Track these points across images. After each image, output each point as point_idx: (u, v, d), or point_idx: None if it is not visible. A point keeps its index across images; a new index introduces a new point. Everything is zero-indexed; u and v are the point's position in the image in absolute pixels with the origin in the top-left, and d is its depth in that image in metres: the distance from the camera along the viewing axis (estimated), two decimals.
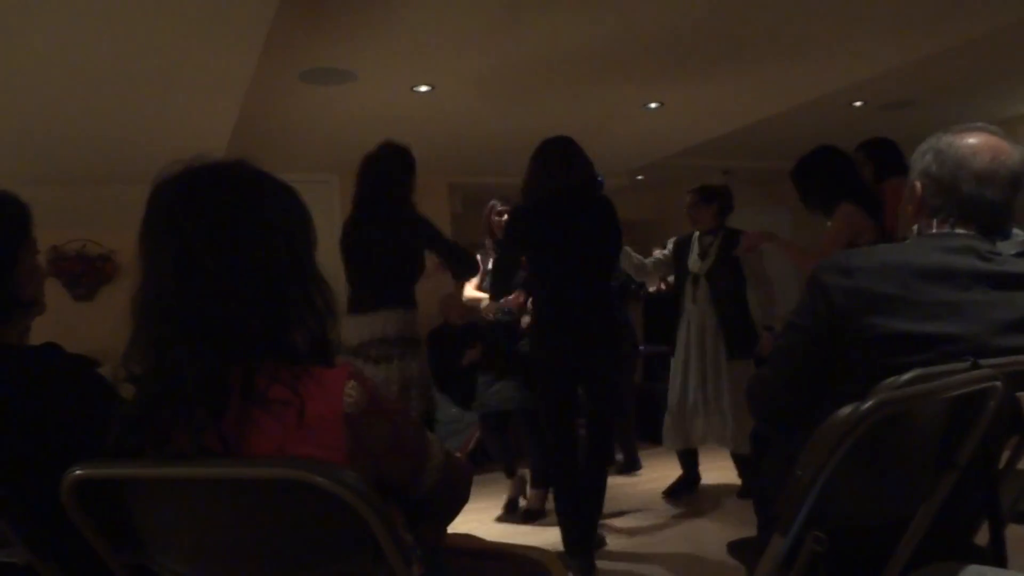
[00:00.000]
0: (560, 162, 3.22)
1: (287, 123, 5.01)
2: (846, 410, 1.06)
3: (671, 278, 4.65)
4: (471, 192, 7.42)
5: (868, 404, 1.04)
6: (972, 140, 1.51)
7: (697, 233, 4.39)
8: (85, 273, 5.65)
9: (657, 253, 4.60)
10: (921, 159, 1.56)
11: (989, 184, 1.50)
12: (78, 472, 0.97)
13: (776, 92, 5.16)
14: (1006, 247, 1.52)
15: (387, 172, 3.32)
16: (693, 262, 4.28)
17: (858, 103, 5.76)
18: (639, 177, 7.77)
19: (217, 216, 1.04)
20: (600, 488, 3.28)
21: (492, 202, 4.46)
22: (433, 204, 6.38)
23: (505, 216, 4.23)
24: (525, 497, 4.39)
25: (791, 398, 1.54)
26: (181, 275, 1.02)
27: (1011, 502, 1.80)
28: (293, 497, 0.91)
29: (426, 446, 1.10)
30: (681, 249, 4.43)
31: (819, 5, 3.71)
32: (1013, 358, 1.38)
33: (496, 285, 3.62)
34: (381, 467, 1.02)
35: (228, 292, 1.01)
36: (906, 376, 1.28)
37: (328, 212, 6.33)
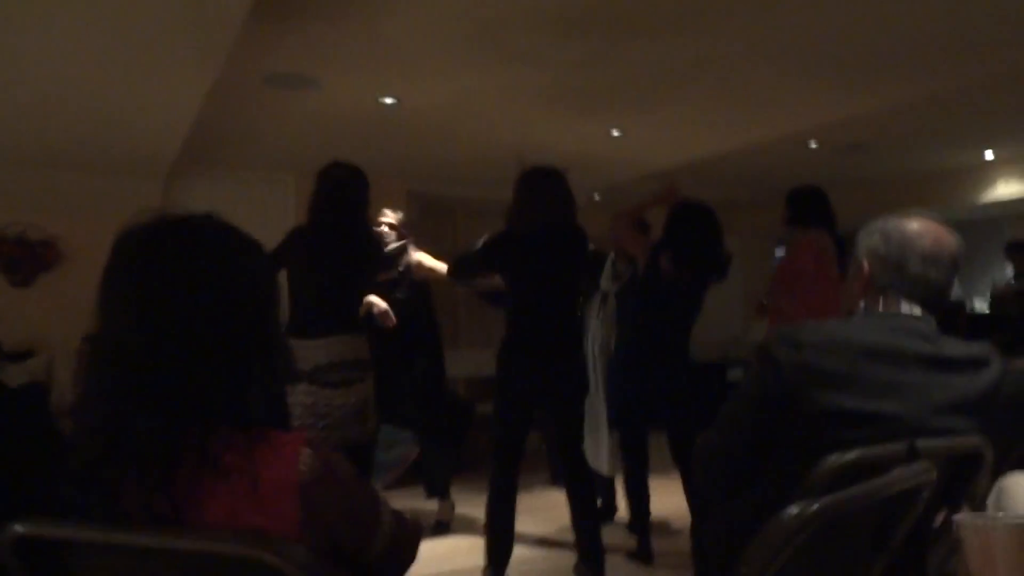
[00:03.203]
0: (552, 198, 3.26)
1: (248, 124, 4.93)
2: (792, 511, 1.09)
3: None
4: (429, 200, 7.41)
5: (813, 508, 1.07)
6: (916, 225, 1.59)
7: (612, 255, 4.24)
8: (24, 259, 5.46)
9: None
10: (868, 239, 1.63)
11: (933, 265, 1.57)
12: (19, 530, 0.94)
13: (733, 130, 5.27)
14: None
15: (352, 201, 3.26)
16: (605, 281, 4.27)
17: (813, 144, 5.90)
18: (596, 197, 7.85)
19: (183, 272, 1.02)
20: (592, 514, 3.37)
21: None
22: (381, 201, 6.37)
23: (385, 227, 4.11)
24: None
25: (736, 464, 1.58)
26: (142, 329, 1.00)
27: (939, 562, 1.86)
28: (243, 571, 0.90)
29: (378, 512, 1.10)
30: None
31: (778, 54, 3.81)
32: (947, 440, 1.44)
33: (460, 274, 3.62)
34: (333, 535, 1.01)
35: (189, 351, 1.00)
36: (849, 456, 1.34)
37: (283, 212, 6.26)
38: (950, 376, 1.49)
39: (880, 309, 1.59)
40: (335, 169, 3.30)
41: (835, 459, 1.33)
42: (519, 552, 3.42)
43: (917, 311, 1.57)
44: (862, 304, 1.63)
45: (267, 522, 0.94)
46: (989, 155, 6.68)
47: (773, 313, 3.89)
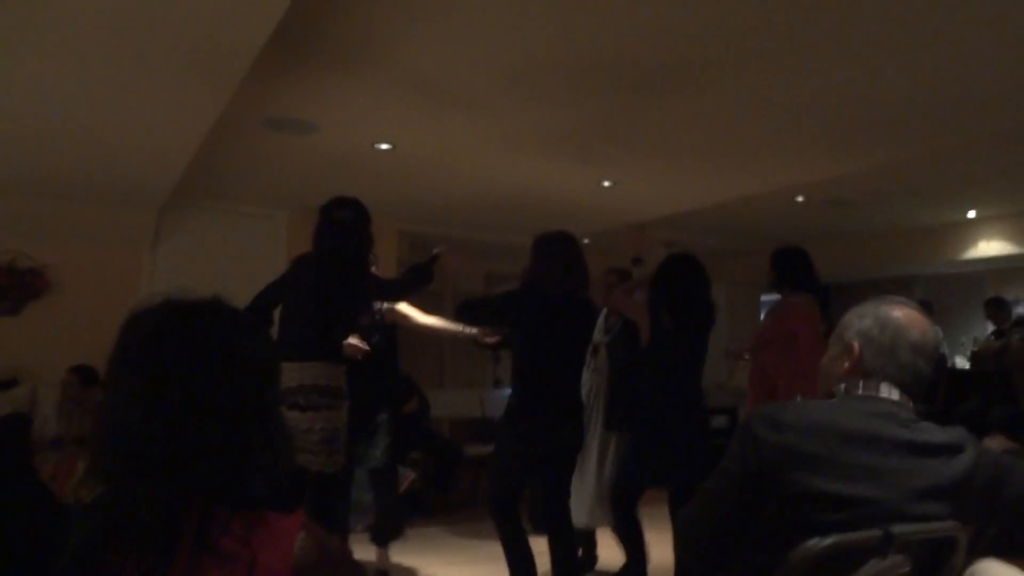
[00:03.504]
0: (575, 264, 3.36)
1: (244, 162, 4.99)
2: None
3: None
4: (419, 239, 7.48)
5: None
6: (905, 314, 1.65)
7: (605, 311, 4.30)
8: (13, 287, 5.45)
9: None
10: (859, 321, 1.67)
11: (922, 355, 1.63)
12: None
13: (722, 185, 5.37)
14: None
15: (358, 242, 3.32)
16: (597, 334, 4.27)
17: (800, 198, 6.01)
18: (586, 241, 7.93)
19: (188, 357, 1.06)
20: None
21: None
22: (382, 248, 6.42)
23: None
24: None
25: (716, 539, 1.61)
26: (147, 411, 1.03)
27: None
28: None
29: None
30: None
31: (768, 114, 3.92)
32: (922, 526, 1.48)
33: (467, 317, 3.61)
34: None
35: (192, 434, 1.03)
36: (825, 543, 1.37)
37: (274, 247, 6.31)
38: (926, 462, 1.53)
39: (860, 391, 1.63)
40: (341, 209, 3.34)
41: (812, 545, 1.37)
42: None
43: (896, 395, 1.62)
44: (842, 386, 1.67)
45: None
46: (972, 214, 6.82)
47: (756, 372, 3.91)
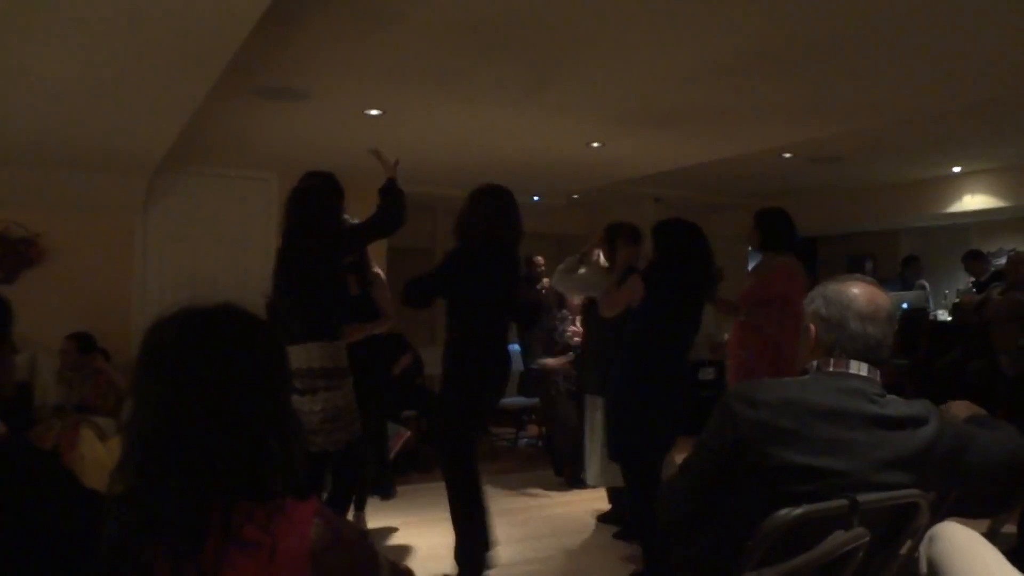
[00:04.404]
0: (511, 214, 3.42)
1: (235, 128, 5.00)
2: None
3: None
4: (409, 197, 7.48)
5: None
6: (853, 287, 1.77)
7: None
8: (6, 256, 5.49)
9: None
10: (811, 304, 1.80)
11: (871, 322, 1.74)
12: None
13: (711, 145, 5.42)
14: None
15: (320, 204, 3.35)
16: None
17: (788, 155, 6.07)
18: (574, 196, 8.00)
19: (207, 363, 1.15)
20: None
21: None
22: (368, 207, 6.47)
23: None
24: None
25: (695, 508, 1.74)
26: (170, 413, 1.13)
27: None
28: None
29: (377, 568, 1.23)
30: None
31: (754, 74, 3.95)
32: (887, 494, 1.60)
33: (415, 294, 3.44)
34: None
35: (212, 434, 1.12)
36: (796, 512, 1.49)
37: (265, 210, 6.35)
38: (891, 434, 1.64)
39: (831, 368, 1.74)
40: (305, 179, 3.42)
41: (784, 514, 1.49)
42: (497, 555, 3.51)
43: (864, 370, 1.73)
44: (814, 363, 1.78)
45: None
46: (957, 169, 6.90)
47: (750, 332, 3.92)
